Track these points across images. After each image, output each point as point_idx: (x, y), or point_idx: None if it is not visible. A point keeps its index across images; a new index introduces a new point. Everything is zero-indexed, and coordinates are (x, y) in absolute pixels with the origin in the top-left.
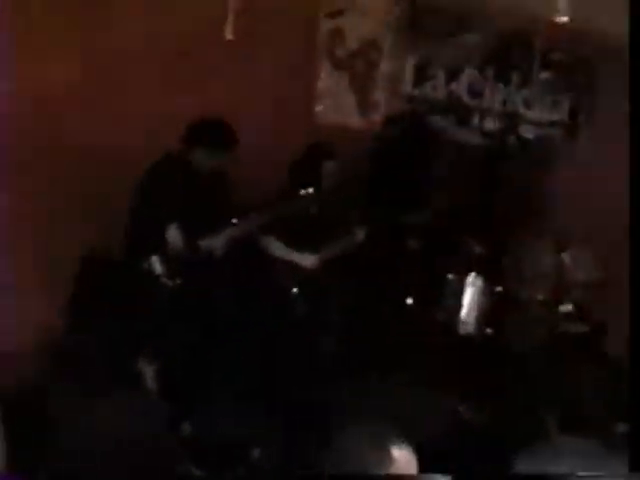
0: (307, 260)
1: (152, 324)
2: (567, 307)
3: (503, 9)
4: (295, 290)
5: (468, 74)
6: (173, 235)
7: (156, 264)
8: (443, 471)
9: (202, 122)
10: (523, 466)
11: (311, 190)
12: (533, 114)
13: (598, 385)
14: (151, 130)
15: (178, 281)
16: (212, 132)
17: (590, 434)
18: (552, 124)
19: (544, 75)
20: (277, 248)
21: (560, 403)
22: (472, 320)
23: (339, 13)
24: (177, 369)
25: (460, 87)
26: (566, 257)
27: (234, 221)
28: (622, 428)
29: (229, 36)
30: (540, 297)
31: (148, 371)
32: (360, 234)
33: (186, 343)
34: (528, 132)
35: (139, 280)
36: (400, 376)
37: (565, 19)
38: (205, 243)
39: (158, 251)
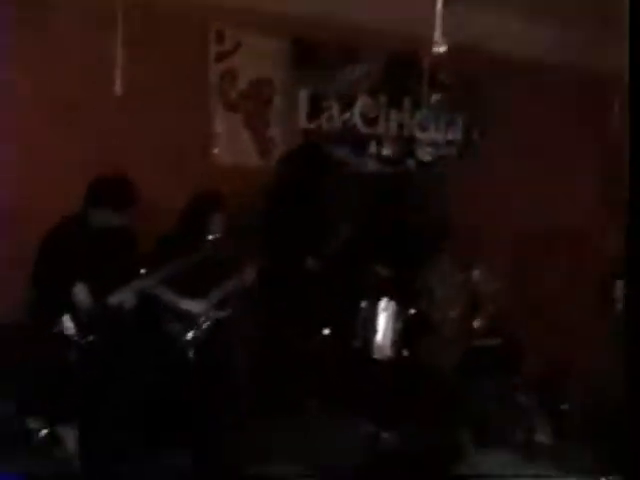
0: (196, 306)
1: (69, 385)
2: (479, 322)
3: (389, 36)
4: (190, 336)
5: (361, 102)
6: (80, 294)
7: (67, 324)
8: None
9: (99, 183)
10: None
11: (215, 236)
12: (429, 136)
13: (509, 398)
14: (50, 189)
15: (90, 338)
16: (110, 193)
17: (504, 447)
18: (448, 143)
19: (435, 97)
20: (167, 296)
21: (474, 419)
22: (387, 344)
23: (228, 54)
24: (99, 429)
25: (354, 116)
26: (474, 273)
27: (142, 272)
28: (539, 438)
29: (119, 91)
30: (452, 315)
31: (69, 435)
32: (251, 273)
33: (104, 401)
34: (425, 154)
35: (52, 342)
36: (317, 407)
37: (443, 49)
38: (113, 298)
39: (68, 311)
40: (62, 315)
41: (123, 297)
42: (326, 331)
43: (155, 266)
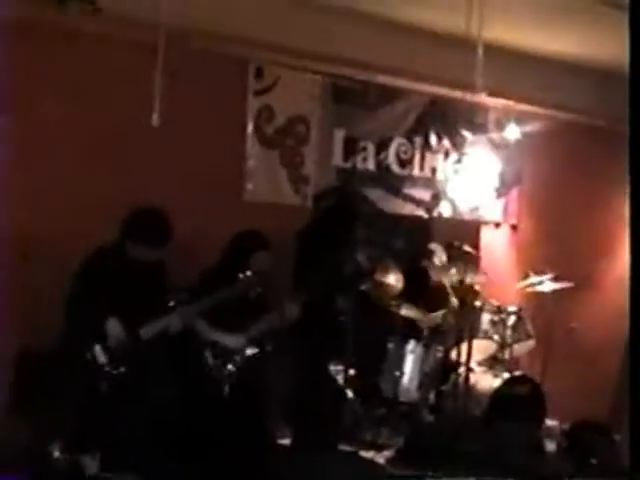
0: (233, 341)
1: (97, 415)
2: (509, 368)
3: (428, 79)
4: (228, 370)
5: (397, 143)
6: (113, 326)
7: (99, 354)
8: None
9: (136, 217)
10: None
11: (249, 273)
12: (463, 180)
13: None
14: (84, 222)
15: (122, 369)
16: (146, 229)
17: None
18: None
19: (471, 139)
20: (205, 330)
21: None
22: (414, 387)
23: (266, 90)
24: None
25: (389, 157)
26: (507, 319)
27: (171, 304)
28: None
29: (155, 123)
30: (480, 358)
31: (91, 465)
32: (293, 310)
33: (133, 432)
34: (459, 198)
35: (83, 371)
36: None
37: (482, 94)
38: (145, 331)
39: (100, 341)
40: (94, 345)
41: (159, 328)
42: (352, 371)
43: (194, 299)
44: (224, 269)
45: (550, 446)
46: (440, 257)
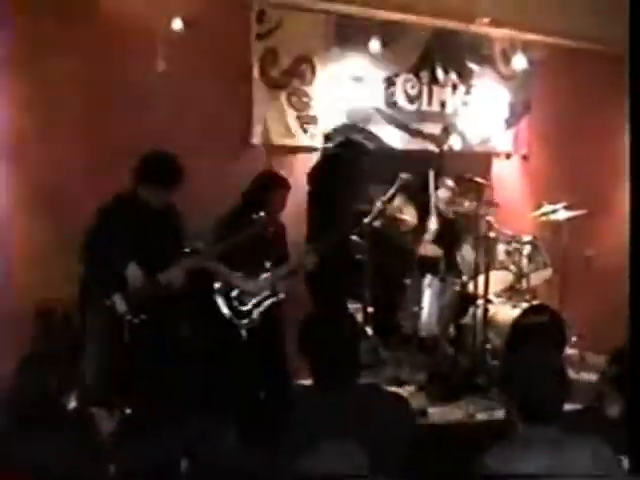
0: (251, 285)
1: (121, 363)
2: (527, 298)
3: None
4: (247, 313)
5: (403, 79)
6: (133, 273)
7: (119, 302)
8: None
9: (147, 160)
10: (492, 462)
11: (262, 214)
12: (472, 112)
13: (556, 373)
14: (92, 165)
15: (142, 317)
16: (157, 171)
17: (552, 421)
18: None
19: (478, 71)
20: (224, 274)
21: (520, 393)
22: (433, 321)
23: (270, 33)
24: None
25: (396, 93)
26: (522, 248)
27: (187, 250)
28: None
29: (160, 68)
30: (497, 289)
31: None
32: (311, 257)
33: (156, 378)
34: (469, 130)
35: (103, 320)
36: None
37: (486, 20)
38: (163, 277)
39: (119, 289)
40: (113, 293)
41: (177, 274)
42: (370, 309)
43: (212, 243)
44: (245, 210)
45: (571, 374)
46: (453, 191)
